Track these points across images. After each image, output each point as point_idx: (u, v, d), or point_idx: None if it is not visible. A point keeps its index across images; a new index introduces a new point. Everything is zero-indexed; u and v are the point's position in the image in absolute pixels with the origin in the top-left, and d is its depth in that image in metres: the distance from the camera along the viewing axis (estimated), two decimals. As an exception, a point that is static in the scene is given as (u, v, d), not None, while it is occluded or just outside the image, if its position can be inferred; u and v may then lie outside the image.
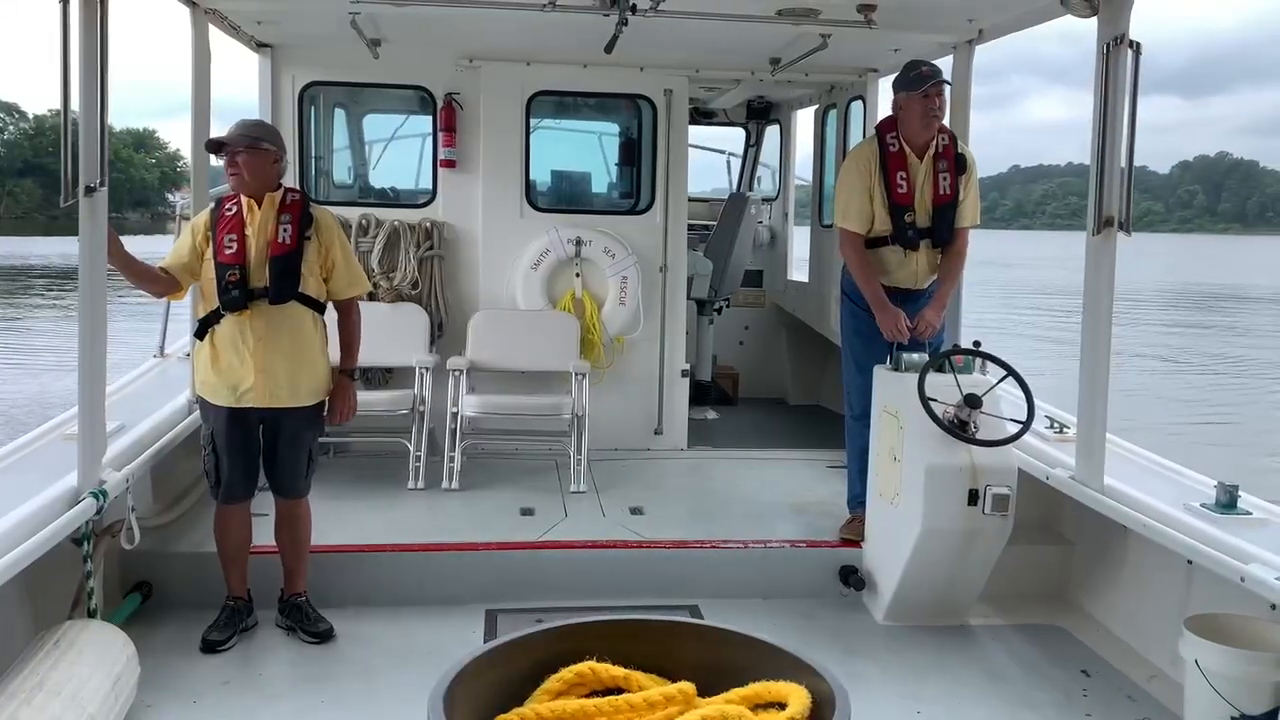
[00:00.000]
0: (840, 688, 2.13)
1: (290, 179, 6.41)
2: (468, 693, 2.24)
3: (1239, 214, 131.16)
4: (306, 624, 4.30)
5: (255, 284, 4.13)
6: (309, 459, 4.38)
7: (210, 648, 4.14)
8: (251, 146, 4.16)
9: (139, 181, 70.71)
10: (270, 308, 4.14)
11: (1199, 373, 21.02)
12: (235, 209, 4.20)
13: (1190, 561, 3.81)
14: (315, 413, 4.34)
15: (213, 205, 4.29)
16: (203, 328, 4.22)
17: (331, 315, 4.41)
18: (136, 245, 4.17)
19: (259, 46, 6.36)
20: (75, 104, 3.59)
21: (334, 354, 4.42)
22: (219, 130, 5.55)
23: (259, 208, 4.19)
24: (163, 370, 6.16)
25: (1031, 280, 43.16)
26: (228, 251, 4.13)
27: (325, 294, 4.32)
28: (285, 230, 4.18)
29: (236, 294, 4.11)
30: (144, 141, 78.73)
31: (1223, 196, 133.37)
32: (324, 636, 4.27)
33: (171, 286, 4.23)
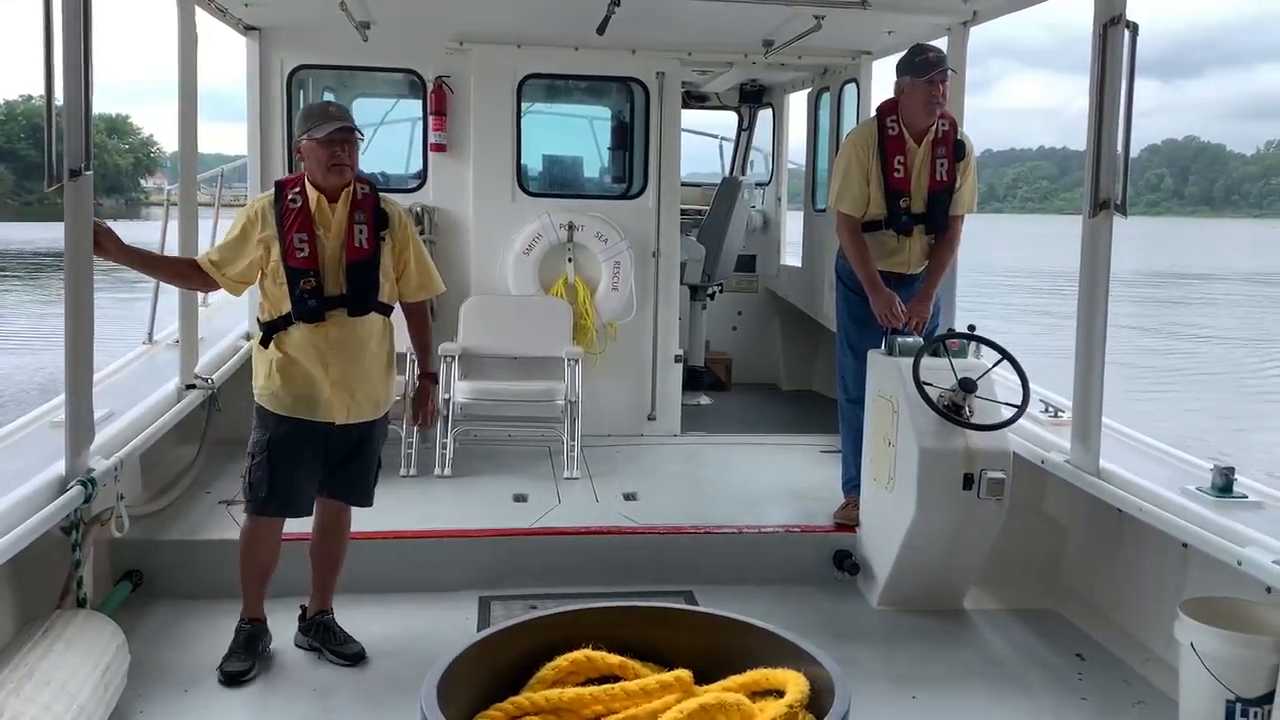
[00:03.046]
0: (839, 675, 2.12)
1: (279, 165, 6.41)
2: (462, 682, 2.22)
3: (1206, 197, 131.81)
4: (334, 644, 4.01)
5: (330, 292, 3.77)
6: (379, 467, 4.14)
7: (233, 680, 3.77)
8: (353, 137, 3.76)
9: (112, 167, 69.87)
10: (345, 318, 3.82)
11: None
12: (300, 201, 3.76)
13: (1186, 545, 3.80)
14: (385, 421, 4.11)
15: (273, 194, 3.84)
16: (268, 333, 3.84)
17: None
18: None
19: (247, 29, 6.29)
20: (58, 87, 3.52)
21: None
22: (204, 115, 5.51)
23: (329, 204, 3.77)
24: (151, 357, 6.11)
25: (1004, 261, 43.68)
26: (300, 255, 3.72)
27: (396, 296, 3.99)
28: (361, 232, 3.79)
29: (314, 304, 3.75)
30: (117, 127, 77.52)
31: (1190, 180, 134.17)
32: (355, 659, 3.96)
33: (212, 285, 3.94)
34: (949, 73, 4.83)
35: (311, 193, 3.79)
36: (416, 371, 4.35)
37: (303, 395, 3.83)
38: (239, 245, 3.83)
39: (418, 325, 4.15)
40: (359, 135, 3.80)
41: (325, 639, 4.04)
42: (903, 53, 4.96)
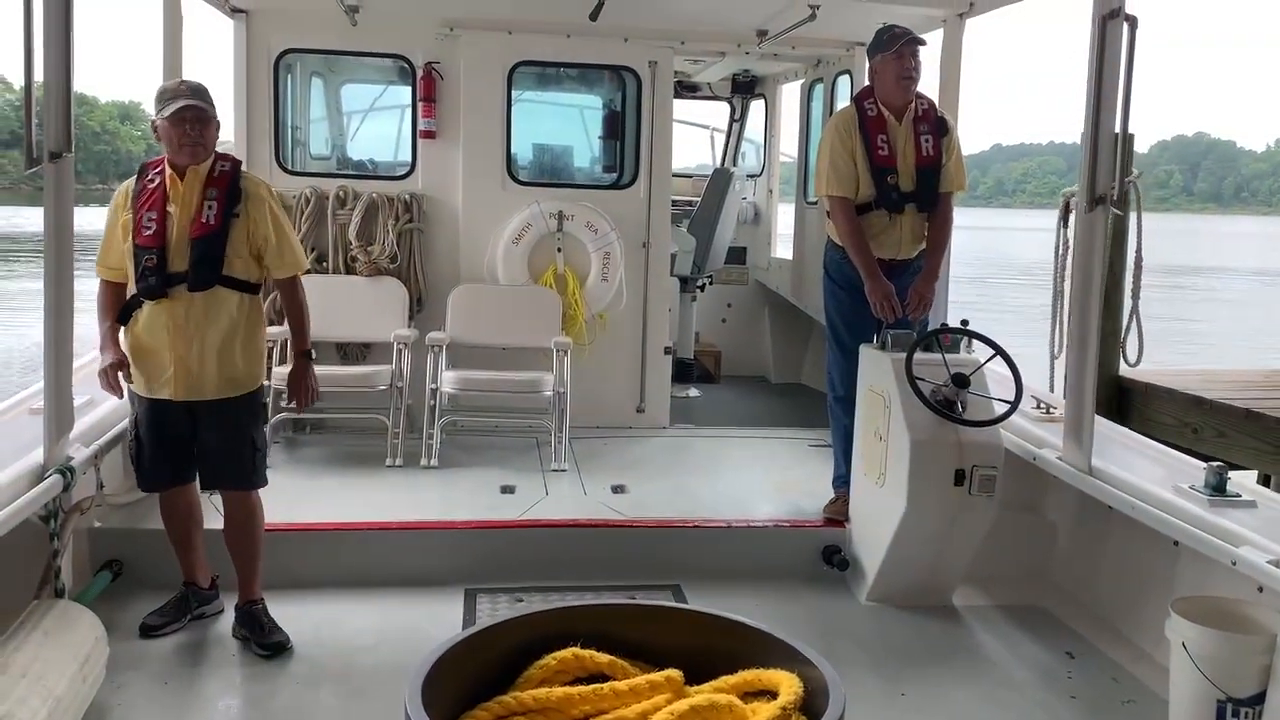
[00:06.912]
0: (834, 677, 2.08)
1: (266, 150, 6.33)
2: (447, 680, 2.17)
3: (1215, 194, 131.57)
4: (259, 635, 3.95)
5: (174, 269, 3.79)
6: (254, 448, 4.03)
7: (144, 632, 3.94)
8: (204, 115, 3.79)
9: (125, 153, 70.23)
10: (190, 294, 3.82)
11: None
12: (158, 179, 3.84)
13: (1177, 543, 3.78)
14: (252, 400, 4.02)
15: (134, 177, 3.93)
16: (125, 313, 3.92)
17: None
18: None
19: (234, 12, 6.20)
20: (38, 68, 3.44)
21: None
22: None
23: (181, 181, 3.83)
24: None
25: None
26: (146, 233, 3.79)
27: (258, 273, 3.98)
28: (210, 208, 3.82)
29: (154, 280, 3.79)
30: (130, 114, 78.10)
31: (1199, 176, 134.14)
32: (276, 650, 3.91)
33: (125, 284, 3.95)
34: (918, 45, 4.78)
35: (169, 172, 3.85)
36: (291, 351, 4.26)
37: (150, 373, 3.90)
38: (112, 234, 3.91)
39: (285, 303, 4.17)
40: (214, 115, 3.83)
41: (252, 629, 4.00)
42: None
